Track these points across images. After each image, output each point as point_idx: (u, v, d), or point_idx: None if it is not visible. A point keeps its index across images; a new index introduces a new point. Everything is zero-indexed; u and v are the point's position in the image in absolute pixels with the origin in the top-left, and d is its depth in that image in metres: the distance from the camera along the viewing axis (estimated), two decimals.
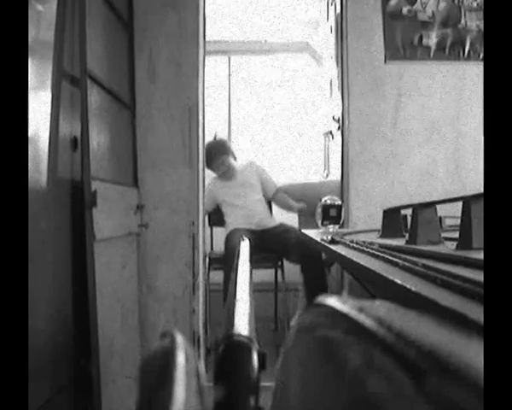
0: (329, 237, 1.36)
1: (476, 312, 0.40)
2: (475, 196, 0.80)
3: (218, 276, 2.88)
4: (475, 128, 2.44)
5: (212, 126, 3.34)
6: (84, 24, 1.61)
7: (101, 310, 1.60)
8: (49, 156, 1.42)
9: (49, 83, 1.44)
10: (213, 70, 4.16)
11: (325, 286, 2.61)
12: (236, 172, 3.07)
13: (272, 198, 3.11)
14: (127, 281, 2.06)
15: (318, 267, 2.64)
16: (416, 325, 0.22)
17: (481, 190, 0.47)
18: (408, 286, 0.57)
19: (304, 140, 4.33)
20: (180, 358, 0.27)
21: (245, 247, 1.08)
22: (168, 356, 0.27)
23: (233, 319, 0.37)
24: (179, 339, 0.29)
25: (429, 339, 0.19)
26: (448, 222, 1.58)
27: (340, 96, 2.56)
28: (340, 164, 2.57)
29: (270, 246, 2.84)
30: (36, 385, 1.23)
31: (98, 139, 1.81)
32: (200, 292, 2.36)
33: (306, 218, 2.86)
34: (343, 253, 1.07)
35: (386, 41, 2.47)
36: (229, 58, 4.38)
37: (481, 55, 2.47)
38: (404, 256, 0.80)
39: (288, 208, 3.10)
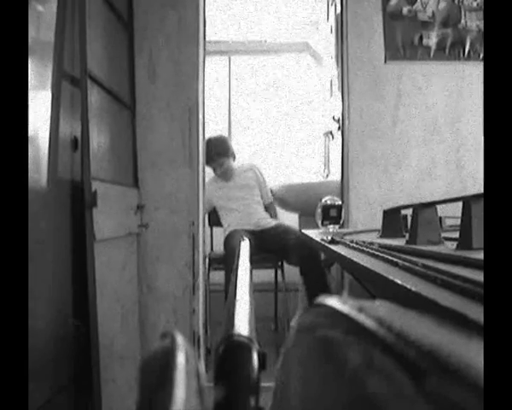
0: (329, 238, 1.36)
1: (476, 312, 0.40)
2: (475, 196, 0.80)
3: (218, 276, 2.88)
4: (475, 128, 2.44)
5: (212, 126, 3.34)
6: (84, 24, 1.61)
7: (101, 310, 1.60)
8: (49, 156, 1.42)
9: (49, 83, 1.44)
10: (213, 70, 4.16)
11: (326, 287, 2.61)
12: (235, 174, 3.06)
13: (265, 206, 3.11)
14: (127, 281, 2.06)
15: (318, 269, 2.64)
16: (416, 325, 0.22)
17: (481, 190, 0.47)
18: (408, 286, 0.57)
19: (304, 140, 4.33)
20: (180, 358, 0.27)
21: (245, 247, 1.08)
22: (168, 356, 0.27)
23: (233, 320, 0.37)
24: (179, 339, 0.29)
25: (429, 339, 0.19)
26: (448, 222, 1.58)
27: (340, 96, 2.56)
28: (340, 164, 2.57)
29: (269, 247, 2.83)
30: (36, 385, 1.23)
31: (98, 139, 1.81)
32: (201, 292, 2.36)
33: (306, 218, 2.86)
34: (343, 253, 1.07)
35: (387, 41, 2.47)
36: (230, 58, 4.38)
37: (481, 56, 2.47)
38: (404, 256, 0.80)
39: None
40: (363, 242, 1.15)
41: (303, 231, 2.04)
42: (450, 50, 2.48)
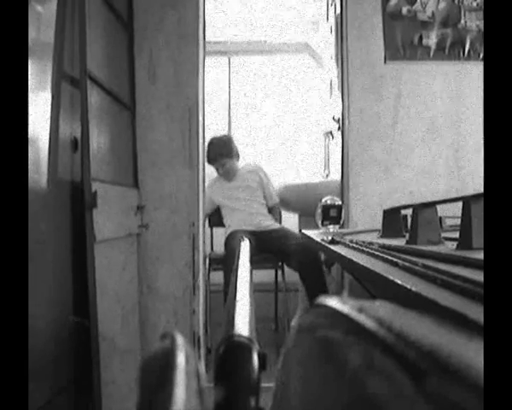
0: (330, 238, 1.36)
1: (476, 312, 0.40)
2: (475, 196, 0.80)
3: (218, 276, 2.88)
4: (475, 128, 2.44)
5: (212, 127, 3.34)
6: (83, 25, 1.61)
7: (101, 311, 1.60)
8: (49, 157, 1.42)
9: (49, 84, 1.44)
10: (213, 70, 4.16)
11: (326, 292, 2.60)
12: (238, 175, 3.05)
13: (269, 208, 3.09)
14: (127, 282, 2.06)
15: (318, 275, 2.63)
16: (416, 325, 0.22)
17: (481, 190, 0.47)
18: (408, 286, 0.57)
19: (304, 140, 4.33)
20: (180, 359, 0.27)
21: (245, 247, 1.08)
22: (168, 357, 0.27)
23: (233, 320, 0.37)
24: (179, 340, 0.29)
25: (429, 339, 0.19)
26: (448, 222, 1.58)
27: (340, 97, 2.56)
28: (340, 164, 2.57)
29: (270, 249, 2.83)
30: (36, 386, 1.23)
31: (98, 140, 1.81)
32: (201, 293, 2.36)
33: (306, 218, 2.86)
34: (343, 253, 1.07)
35: (386, 41, 2.47)
36: (229, 59, 4.38)
37: (481, 55, 2.47)
38: (404, 256, 0.80)
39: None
40: (363, 242, 1.15)
41: (303, 231, 2.04)
42: (450, 50, 2.48)
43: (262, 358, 0.32)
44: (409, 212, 1.26)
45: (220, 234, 3.05)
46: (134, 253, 2.21)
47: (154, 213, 2.30)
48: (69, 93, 1.61)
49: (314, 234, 1.77)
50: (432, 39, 2.47)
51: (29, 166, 1.25)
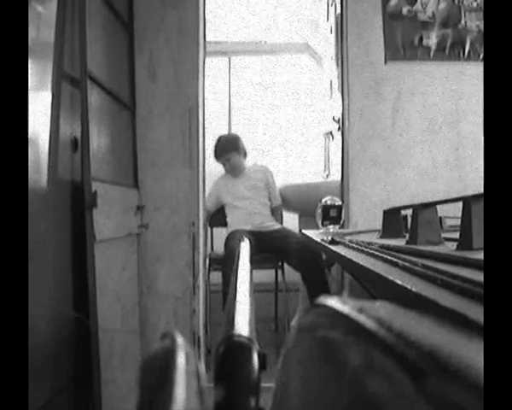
0: (330, 238, 1.36)
1: (476, 312, 0.40)
2: (475, 197, 0.80)
3: (218, 277, 2.88)
4: (475, 128, 2.44)
5: (212, 127, 3.34)
6: (84, 25, 1.61)
7: (101, 311, 1.60)
8: (49, 157, 1.42)
9: (49, 84, 1.44)
10: (213, 70, 4.16)
11: (328, 293, 2.59)
12: (245, 173, 3.07)
13: (271, 209, 3.11)
14: (127, 282, 2.06)
15: (320, 276, 2.63)
16: (416, 325, 0.22)
17: (481, 190, 0.47)
18: (408, 286, 0.57)
19: (304, 141, 4.33)
20: (180, 359, 0.27)
21: (245, 247, 1.08)
22: (168, 357, 0.27)
23: (233, 320, 0.37)
24: (179, 340, 0.29)
25: (429, 339, 0.19)
26: (448, 222, 1.58)
27: (340, 97, 2.56)
28: (340, 164, 2.57)
29: (270, 249, 2.83)
30: (36, 385, 1.23)
31: (98, 140, 1.81)
32: (201, 293, 2.36)
33: (307, 218, 2.86)
34: (343, 253, 1.07)
35: (387, 41, 2.47)
36: (229, 59, 4.38)
37: (481, 56, 2.47)
38: (404, 256, 0.80)
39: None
40: (363, 242, 1.15)
41: (303, 231, 2.04)
42: (450, 51, 2.48)
43: (262, 358, 0.32)
44: (409, 212, 1.26)
45: (220, 234, 3.05)
46: (134, 253, 2.21)
47: (154, 213, 2.30)
48: (69, 93, 1.61)
49: (314, 234, 1.77)
50: (432, 40, 2.47)
51: (29, 166, 1.25)
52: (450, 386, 0.17)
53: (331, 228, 1.88)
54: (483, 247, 0.71)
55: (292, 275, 2.87)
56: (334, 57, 3.34)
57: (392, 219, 1.34)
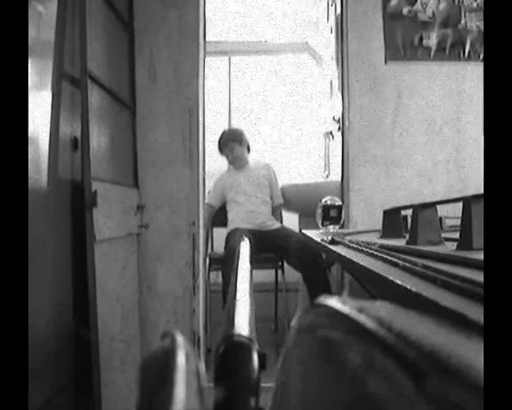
0: (330, 238, 1.36)
1: (476, 312, 0.40)
2: (476, 197, 0.80)
3: (218, 276, 2.88)
4: (476, 128, 2.44)
5: (213, 126, 3.35)
6: (84, 24, 1.61)
7: (101, 310, 1.60)
8: (49, 156, 1.42)
9: (49, 83, 1.44)
10: (213, 70, 4.16)
11: (329, 293, 2.59)
12: (248, 167, 3.08)
13: (272, 208, 3.11)
14: (127, 281, 2.06)
15: (321, 276, 2.63)
16: (416, 325, 0.22)
17: (481, 190, 0.47)
18: (408, 287, 0.57)
19: (304, 140, 4.33)
20: (180, 358, 0.27)
21: (245, 247, 1.08)
22: (168, 356, 0.27)
23: (233, 320, 0.37)
24: (180, 339, 0.29)
25: (429, 339, 0.19)
26: (448, 222, 1.58)
27: (341, 97, 2.56)
28: (340, 164, 2.57)
29: (270, 248, 2.83)
30: (36, 385, 1.23)
31: (98, 139, 1.81)
32: (201, 292, 2.36)
33: (307, 218, 2.85)
34: (343, 253, 1.07)
35: (387, 41, 2.47)
36: (230, 59, 4.38)
37: (481, 56, 2.47)
38: (404, 257, 0.80)
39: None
40: (363, 242, 1.15)
41: (303, 231, 2.04)
42: (451, 51, 2.48)
43: (262, 358, 0.32)
44: (409, 212, 1.26)
45: (220, 234, 3.05)
46: (134, 252, 2.21)
47: (154, 212, 2.30)
48: (69, 92, 1.61)
49: (314, 234, 1.77)
50: (432, 40, 2.47)
51: (29, 166, 1.25)
52: (450, 386, 0.17)
53: (331, 228, 1.88)
54: (483, 247, 0.71)
55: (292, 275, 2.87)
56: (334, 57, 3.34)
57: (392, 220, 1.34)
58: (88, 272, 1.56)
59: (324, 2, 3.81)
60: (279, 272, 3.03)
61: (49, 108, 1.44)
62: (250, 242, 1.35)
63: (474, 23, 2.47)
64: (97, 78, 1.77)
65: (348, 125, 2.48)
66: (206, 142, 2.49)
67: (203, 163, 2.44)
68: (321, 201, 1.91)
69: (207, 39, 2.54)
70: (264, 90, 4.36)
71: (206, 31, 2.50)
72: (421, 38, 2.48)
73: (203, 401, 0.26)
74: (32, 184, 1.31)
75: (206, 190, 2.63)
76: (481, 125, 2.24)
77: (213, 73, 4.16)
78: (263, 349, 0.33)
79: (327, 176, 3.91)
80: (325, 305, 0.29)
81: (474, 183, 2.40)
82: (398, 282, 0.61)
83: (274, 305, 3.25)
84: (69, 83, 1.60)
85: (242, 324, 0.36)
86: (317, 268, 2.61)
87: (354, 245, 1.14)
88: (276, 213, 3.11)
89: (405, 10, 2.47)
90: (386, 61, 2.47)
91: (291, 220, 3.28)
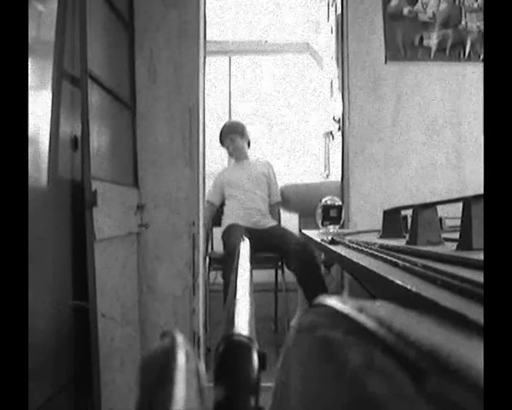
0: (330, 238, 1.36)
1: (476, 312, 0.40)
2: (476, 197, 0.80)
3: (217, 276, 2.88)
4: (476, 129, 2.44)
5: (213, 126, 3.35)
6: (84, 24, 1.61)
7: (101, 310, 1.60)
8: (49, 156, 1.42)
9: (49, 83, 1.44)
10: (214, 70, 4.16)
11: (324, 292, 2.58)
12: (247, 162, 3.10)
13: (270, 206, 3.11)
14: (127, 281, 2.06)
15: (316, 275, 2.62)
16: (416, 325, 0.22)
17: (481, 190, 0.47)
18: (408, 287, 0.57)
19: (304, 140, 4.33)
20: (180, 357, 0.27)
21: (245, 247, 1.08)
22: (168, 356, 0.27)
23: (233, 319, 0.37)
24: (180, 338, 0.29)
25: (429, 339, 0.19)
26: (448, 223, 1.58)
27: (341, 97, 2.56)
28: (340, 164, 2.57)
29: (267, 248, 2.82)
30: (36, 384, 1.23)
31: (98, 139, 1.81)
32: (201, 292, 2.36)
33: (307, 218, 2.85)
34: (343, 253, 1.07)
35: (387, 41, 2.47)
36: (230, 58, 4.38)
37: (481, 56, 2.47)
38: (404, 257, 0.80)
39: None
40: (363, 242, 1.15)
41: (303, 231, 2.04)
42: (451, 51, 2.48)
43: (262, 357, 0.32)
44: (409, 212, 1.26)
45: (220, 233, 3.05)
46: (134, 252, 2.21)
47: (154, 212, 2.30)
48: (69, 92, 1.61)
49: (314, 234, 1.77)
50: (432, 40, 2.47)
51: (29, 165, 1.25)
52: (450, 386, 0.17)
53: (331, 228, 1.88)
54: (483, 247, 0.71)
55: (292, 275, 2.87)
56: (334, 57, 3.34)
57: (392, 220, 1.34)
58: (88, 271, 1.56)
59: (325, 3, 3.81)
60: (279, 271, 3.03)
61: (50, 107, 1.44)
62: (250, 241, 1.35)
63: (474, 24, 2.47)
64: (97, 77, 1.77)
65: (348, 125, 2.48)
66: (206, 141, 2.49)
67: (203, 163, 2.44)
68: (321, 201, 1.91)
69: (208, 39, 2.54)
70: (264, 90, 4.36)
71: (207, 31, 2.50)
72: (421, 39, 2.48)
73: (203, 400, 0.26)
74: (32, 184, 1.31)
75: (206, 190, 2.63)
76: (481, 125, 2.25)
77: (214, 73, 4.16)
78: (263, 349, 0.33)
79: (327, 176, 3.91)
80: (325, 305, 0.29)
81: (474, 183, 2.40)
82: (398, 282, 0.61)
83: (274, 305, 3.25)
84: (69, 82, 1.60)
85: (242, 323, 0.36)
86: (313, 270, 2.61)
87: (354, 245, 1.14)
88: (274, 210, 3.11)
89: (406, 10, 2.47)
90: (386, 62, 2.47)
91: (291, 220, 3.28)
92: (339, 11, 2.74)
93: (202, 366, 0.29)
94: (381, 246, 1.00)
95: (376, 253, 0.91)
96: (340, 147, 2.56)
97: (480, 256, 0.64)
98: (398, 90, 2.48)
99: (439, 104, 2.49)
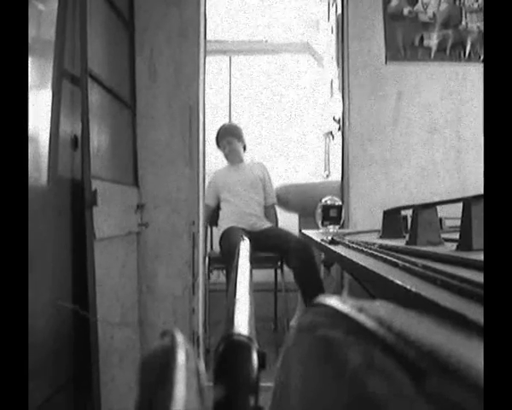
0: (330, 238, 1.36)
1: (476, 312, 0.40)
2: (476, 198, 0.80)
3: (218, 276, 2.88)
4: (476, 129, 2.44)
5: (213, 126, 3.35)
6: (84, 23, 1.61)
7: (101, 309, 1.60)
8: (49, 155, 1.42)
9: (49, 82, 1.44)
10: (214, 70, 4.16)
11: (321, 292, 2.58)
12: (242, 166, 3.09)
13: (264, 207, 3.11)
14: (127, 280, 2.06)
15: (314, 274, 2.62)
16: (415, 325, 0.22)
17: (482, 190, 0.47)
18: (408, 287, 0.57)
19: (304, 141, 4.32)
20: (180, 357, 0.27)
21: (245, 246, 1.08)
22: (168, 355, 0.27)
23: (233, 319, 0.37)
24: (179, 338, 0.29)
25: (429, 339, 0.19)
26: (448, 223, 1.58)
27: (341, 97, 2.56)
28: (340, 164, 2.57)
29: (263, 249, 2.82)
30: (36, 384, 1.23)
31: (99, 138, 1.81)
32: (200, 292, 2.36)
33: (306, 218, 2.85)
34: (343, 253, 1.07)
35: (387, 42, 2.47)
36: (230, 58, 4.38)
37: (482, 57, 2.47)
38: (403, 257, 0.80)
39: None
40: (363, 242, 1.15)
41: (303, 231, 2.04)
42: (451, 51, 2.48)
43: (261, 357, 0.32)
44: (409, 212, 1.26)
45: (220, 233, 3.05)
46: (134, 251, 2.21)
47: (154, 211, 2.30)
48: (70, 91, 1.61)
49: (314, 234, 1.77)
50: (433, 40, 2.47)
51: (29, 164, 1.25)
52: (450, 386, 0.17)
53: (331, 228, 1.88)
54: (483, 248, 0.71)
55: (291, 275, 2.87)
56: (334, 57, 3.34)
57: (392, 220, 1.34)
58: (88, 270, 1.56)
59: (325, 3, 3.81)
60: (278, 271, 3.03)
61: (50, 106, 1.44)
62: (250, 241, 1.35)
63: (474, 24, 2.47)
64: (98, 76, 1.77)
65: (348, 125, 2.48)
66: (206, 141, 2.49)
67: (203, 162, 2.44)
68: (321, 201, 1.91)
69: (208, 38, 2.54)
70: (264, 90, 4.36)
71: (207, 30, 2.50)
72: (421, 39, 2.48)
73: (203, 399, 0.26)
74: (32, 183, 1.31)
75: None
76: (481, 125, 2.25)
77: (214, 72, 4.16)
78: (262, 349, 0.33)
79: (327, 176, 3.91)
80: (325, 304, 0.29)
81: (474, 183, 2.40)
82: (398, 282, 0.61)
83: (273, 305, 3.25)
84: (69, 81, 1.60)
85: (242, 323, 0.36)
86: (312, 268, 2.61)
87: (354, 245, 1.14)
88: (270, 212, 3.11)
89: (406, 11, 2.47)
90: (386, 62, 2.47)
91: (291, 220, 3.28)
92: (339, 11, 2.74)
93: (202, 366, 0.29)
94: (381, 246, 1.00)
95: (376, 253, 0.91)
96: (340, 147, 2.56)
97: (480, 257, 0.64)
98: (398, 90, 2.48)
99: (439, 104, 2.49)
